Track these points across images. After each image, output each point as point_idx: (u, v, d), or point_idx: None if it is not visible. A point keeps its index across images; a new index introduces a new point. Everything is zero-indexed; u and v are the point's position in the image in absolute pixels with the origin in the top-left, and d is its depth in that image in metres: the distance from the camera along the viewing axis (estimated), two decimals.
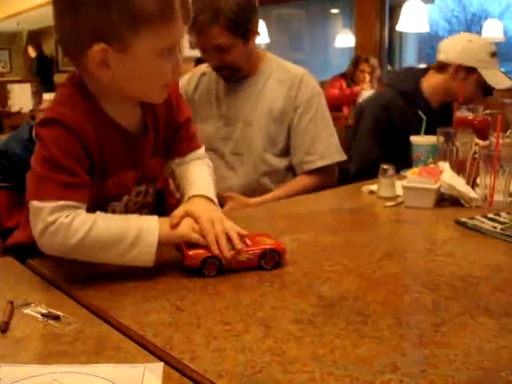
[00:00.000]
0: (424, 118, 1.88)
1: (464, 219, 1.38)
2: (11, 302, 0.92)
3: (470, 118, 1.84)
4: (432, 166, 1.62)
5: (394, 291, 0.98)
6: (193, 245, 1.06)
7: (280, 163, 1.96)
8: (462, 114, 1.87)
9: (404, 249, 1.24)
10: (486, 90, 2.29)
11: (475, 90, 2.26)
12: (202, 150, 1.33)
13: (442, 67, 2.31)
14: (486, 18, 6.78)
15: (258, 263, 1.07)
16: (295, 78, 1.96)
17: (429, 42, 7.93)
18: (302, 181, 1.97)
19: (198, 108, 2.00)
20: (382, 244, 1.25)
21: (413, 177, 1.55)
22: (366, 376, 0.71)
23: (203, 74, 2.07)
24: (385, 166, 1.63)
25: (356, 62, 5.22)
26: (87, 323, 0.87)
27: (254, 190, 1.94)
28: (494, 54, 2.25)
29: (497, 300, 0.94)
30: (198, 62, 6.02)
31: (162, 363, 0.74)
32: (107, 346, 0.79)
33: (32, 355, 0.78)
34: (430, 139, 1.79)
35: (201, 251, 1.05)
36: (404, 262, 1.16)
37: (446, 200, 1.55)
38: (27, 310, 0.91)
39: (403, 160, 2.16)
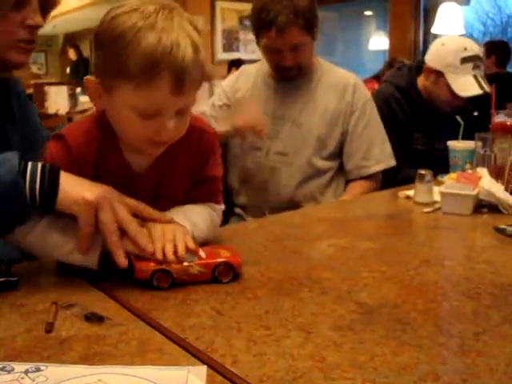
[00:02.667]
0: (462, 122, 1.87)
1: (503, 226, 1.36)
2: (55, 303, 0.94)
3: (509, 123, 1.81)
4: (470, 171, 1.61)
5: (434, 299, 0.97)
6: (144, 257, 1.04)
7: (326, 166, 1.95)
8: (499, 119, 1.85)
9: (442, 256, 1.23)
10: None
11: (450, 95, 2.21)
12: (218, 206, 1.27)
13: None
14: None
15: (211, 276, 1.04)
16: (348, 83, 1.96)
17: None
18: (361, 186, 1.96)
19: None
20: (420, 251, 1.24)
21: (451, 182, 1.54)
22: None
23: (251, 74, 2.08)
24: (422, 172, 1.62)
25: (391, 65, 5.17)
26: (130, 325, 0.88)
27: (297, 192, 1.94)
28: (466, 60, 2.17)
29: None
30: (232, 64, 6.06)
31: (205, 366, 0.74)
32: (150, 348, 0.81)
33: (77, 356, 0.79)
34: (468, 144, 1.77)
35: (151, 264, 1.02)
36: (443, 269, 1.15)
37: (485, 206, 1.53)
38: (71, 311, 0.93)
39: (406, 153, 2.21)
